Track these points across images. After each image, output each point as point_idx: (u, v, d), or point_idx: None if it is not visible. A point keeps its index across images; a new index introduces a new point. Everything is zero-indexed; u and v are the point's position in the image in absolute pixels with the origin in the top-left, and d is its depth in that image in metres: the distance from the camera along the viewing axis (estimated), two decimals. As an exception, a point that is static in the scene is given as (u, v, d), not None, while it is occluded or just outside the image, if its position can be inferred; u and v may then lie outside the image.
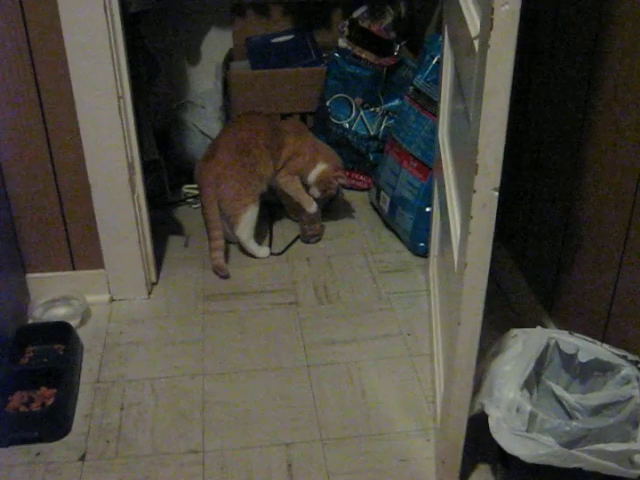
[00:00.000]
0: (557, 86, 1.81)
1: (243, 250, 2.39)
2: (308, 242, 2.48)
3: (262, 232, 2.51)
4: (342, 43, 2.71)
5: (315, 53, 2.81)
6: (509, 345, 1.53)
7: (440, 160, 1.86)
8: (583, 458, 1.30)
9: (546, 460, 1.32)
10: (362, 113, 2.67)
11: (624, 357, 1.48)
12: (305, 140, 2.45)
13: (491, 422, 1.40)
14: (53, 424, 1.71)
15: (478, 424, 1.46)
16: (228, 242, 2.40)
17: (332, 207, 2.67)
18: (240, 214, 2.31)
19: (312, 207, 2.43)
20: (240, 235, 2.34)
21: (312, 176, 2.44)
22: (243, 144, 2.33)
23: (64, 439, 1.71)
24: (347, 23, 2.74)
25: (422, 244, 2.34)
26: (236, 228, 2.32)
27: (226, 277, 2.28)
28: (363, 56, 2.64)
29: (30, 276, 2.10)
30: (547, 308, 1.91)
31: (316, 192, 2.45)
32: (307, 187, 2.46)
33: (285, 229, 2.54)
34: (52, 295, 2.10)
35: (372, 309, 2.13)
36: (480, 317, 1.32)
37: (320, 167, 2.43)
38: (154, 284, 2.25)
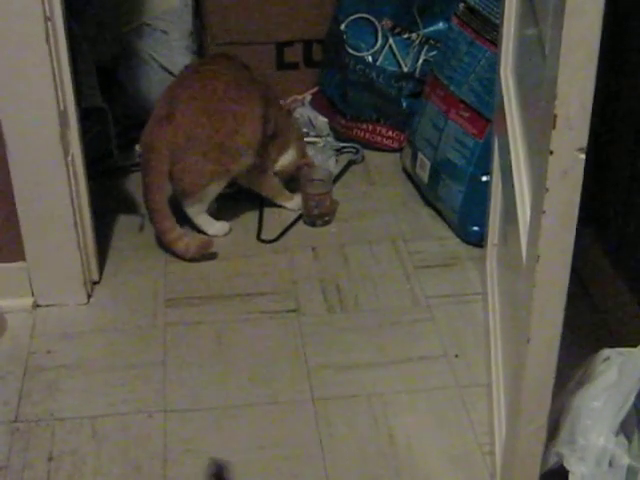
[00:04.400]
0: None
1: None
2: (314, 225, 2.48)
3: (249, 211, 2.53)
4: (363, -59, 2.71)
5: (325, -45, 2.81)
6: (599, 372, 1.53)
7: (502, 109, 1.85)
8: (703, 532, 1.30)
9: (650, 534, 1.33)
10: (391, 41, 2.67)
11: None
12: (279, 107, 2.51)
13: (573, 480, 1.41)
14: (-46, 480, 1.72)
15: (554, 483, 1.47)
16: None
17: (348, 175, 2.68)
18: (197, 190, 2.36)
19: (292, 203, 2.54)
20: (188, 209, 2.40)
21: (278, 165, 2.51)
22: (218, 101, 2.32)
23: (-31, 502, 1.72)
24: None
25: (476, 228, 2.34)
26: (185, 201, 2.39)
27: (212, 257, 2.33)
28: (393, -41, 2.64)
29: None
30: (654, 320, 1.91)
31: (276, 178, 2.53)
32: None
33: (281, 208, 2.55)
34: (-48, 299, 2.11)
35: (405, 320, 2.14)
36: (558, 332, 1.32)
37: (290, 153, 2.51)
38: (96, 283, 2.26)
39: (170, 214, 2.31)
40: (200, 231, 2.43)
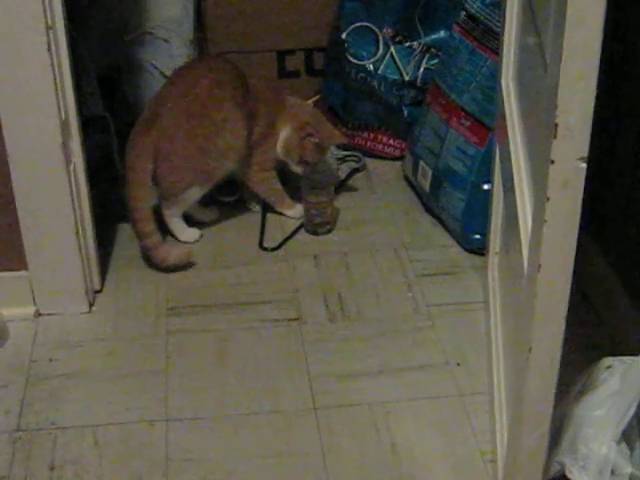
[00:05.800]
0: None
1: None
2: (316, 233, 2.48)
3: (250, 219, 2.53)
4: (364, -50, 2.71)
5: (326, -36, 2.81)
6: (601, 380, 1.53)
7: (504, 117, 1.85)
8: None
9: None
10: (393, 49, 2.67)
11: None
12: (274, 104, 2.50)
13: (575, 489, 1.40)
14: (-44, 489, 1.72)
15: (556, 492, 1.46)
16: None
17: (350, 183, 2.68)
18: (176, 193, 2.37)
19: (293, 211, 2.54)
20: (165, 211, 2.41)
21: (278, 149, 2.50)
22: (199, 104, 2.34)
23: (-29, 511, 1.72)
24: None
25: (477, 236, 2.34)
26: (164, 202, 2.40)
27: (190, 264, 2.34)
28: (394, -32, 2.64)
29: None
30: (655, 328, 1.91)
31: (298, 168, 2.50)
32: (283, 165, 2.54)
33: (283, 216, 2.55)
34: (-47, 307, 2.11)
35: (406, 328, 2.14)
36: (560, 340, 1.32)
37: (283, 134, 2.49)
38: (98, 292, 2.26)
39: (152, 218, 2.31)
40: (172, 235, 2.43)
